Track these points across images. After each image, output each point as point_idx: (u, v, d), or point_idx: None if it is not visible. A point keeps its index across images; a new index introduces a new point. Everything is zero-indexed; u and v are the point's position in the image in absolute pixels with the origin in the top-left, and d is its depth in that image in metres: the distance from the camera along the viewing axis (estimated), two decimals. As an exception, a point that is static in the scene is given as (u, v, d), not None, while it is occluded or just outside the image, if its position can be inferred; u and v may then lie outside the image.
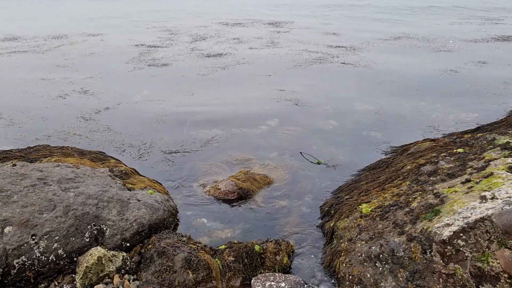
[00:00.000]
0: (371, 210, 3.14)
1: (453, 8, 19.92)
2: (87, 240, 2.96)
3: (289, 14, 18.71)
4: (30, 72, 8.57)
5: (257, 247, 3.01)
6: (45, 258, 2.81)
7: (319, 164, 4.58)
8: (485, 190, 2.68)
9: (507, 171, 2.87)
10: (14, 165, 3.54)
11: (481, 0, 21.57)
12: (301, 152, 4.74)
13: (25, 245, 2.78)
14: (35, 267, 2.78)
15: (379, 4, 21.74)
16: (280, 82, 7.78)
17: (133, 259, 2.99)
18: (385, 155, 4.70)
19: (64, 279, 2.85)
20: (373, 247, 2.73)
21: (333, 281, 2.90)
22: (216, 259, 2.95)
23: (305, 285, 2.76)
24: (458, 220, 2.49)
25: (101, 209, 3.14)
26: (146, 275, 2.82)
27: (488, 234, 2.37)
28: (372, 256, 2.69)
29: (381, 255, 2.66)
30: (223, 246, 3.06)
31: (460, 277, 2.36)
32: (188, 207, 3.84)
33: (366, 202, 3.32)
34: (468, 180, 2.94)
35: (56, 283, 2.82)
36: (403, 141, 4.94)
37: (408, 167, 3.76)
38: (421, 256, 2.50)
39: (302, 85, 7.58)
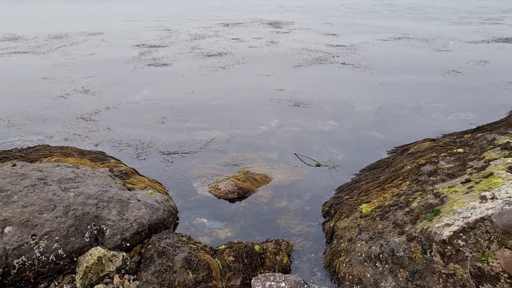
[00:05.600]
0: (371, 210, 3.14)
1: (453, 8, 19.93)
2: (87, 240, 2.96)
3: (289, 14, 18.71)
4: (31, 72, 8.57)
5: (257, 247, 3.01)
6: (45, 258, 2.81)
7: (318, 166, 4.57)
8: (485, 190, 2.68)
9: (507, 171, 2.87)
10: (14, 165, 3.54)
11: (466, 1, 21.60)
12: (296, 154, 4.73)
13: (25, 245, 2.78)
14: (35, 267, 2.78)
15: (378, 5, 21.76)
16: (280, 82, 7.77)
17: (133, 259, 2.99)
18: (385, 155, 4.70)
19: (64, 279, 2.85)
20: (373, 247, 2.73)
21: (333, 281, 2.90)
22: (216, 259, 2.95)
23: (305, 285, 2.76)
24: (458, 220, 2.49)
25: (101, 209, 3.14)
26: (146, 275, 2.82)
27: (488, 234, 2.37)
28: (372, 256, 2.69)
29: (381, 255, 2.66)
30: (223, 246, 3.06)
31: (460, 277, 2.36)
32: (188, 207, 3.84)
33: (366, 202, 3.32)
34: (468, 180, 2.94)
35: (56, 283, 2.82)
36: (403, 141, 4.94)
37: (408, 167, 3.76)
38: (421, 256, 2.50)
39: (302, 85, 7.58)
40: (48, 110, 6.31)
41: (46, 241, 2.84)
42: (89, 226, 3.01)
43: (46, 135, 5.33)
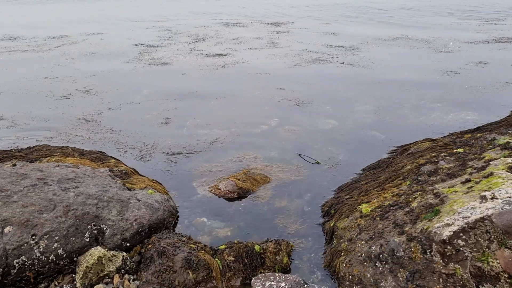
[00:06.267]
0: (371, 210, 3.14)
1: (453, 8, 19.94)
2: (87, 240, 2.96)
3: (289, 14, 18.72)
4: (31, 71, 8.57)
5: (257, 247, 3.01)
6: (45, 258, 2.81)
7: (318, 164, 4.59)
8: (485, 190, 2.68)
9: (507, 171, 2.87)
10: (14, 165, 3.54)
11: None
12: (299, 154, 4.76)
13: (25, 245, 2.78)
14: (35, 267, 2.78)
15: (378, 5, 21.78)
16: (280, 82, 7.78)
17: (133, 259, 2.99)
18: (385, 155, 4.70)
19: (64, 279, 2.85)
20: (373, 247, 2.73)
21: (333, 281, 2.91)
22: (216, 259, 2.95)
23: (305, 285, 2.76)
24: (458, 220, 2.49)
25: (101, 209, 3.14)
26: (146, 275, 2.82)
27: (488, 234, 2.37)
28: (372, 256, 2.70)
29: (381, 255, 2.66)
30: (223, 246, 3.06)
31: (460, 277, 2.36)
32: (188, 207, 3.84)
33: (366, 202, 3.32)
34: (468, 180, 2.94)
35: (56, 283, 2.82)
36: (403, 141, 4.95)
37: (408, 167, 3.76)
38: (421, 256, 2.50)
39: (302, 85, 7.58)
40: (50, 110, 6.31)
41: (46, 241, 2.84)
42: (89, 226, 3.01)
43: (48, 136, 5.33)
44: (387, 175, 3.79)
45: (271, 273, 2.87)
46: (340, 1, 23.31)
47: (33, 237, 2.82)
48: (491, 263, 2.32)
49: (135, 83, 7.74)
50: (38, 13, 19.63)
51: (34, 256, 2.79)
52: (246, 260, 2.95)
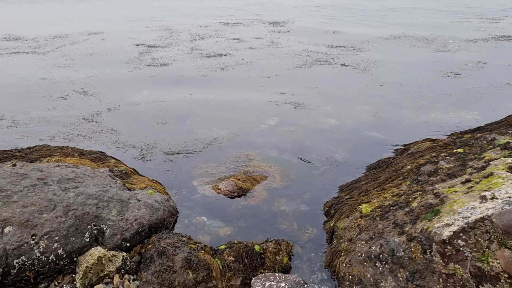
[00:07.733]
0: (371, 210, 3.14)
1: (452, 7, 19.94)
2: (87, 240, 2.96)
3: (289, 14, 18.72)
4: (30, 72, 8.57)
5: (257, 247, 3.01)
6: (45, 258, 2.81)
7: (310, 163, 4.61)
8: (485, 190, 2.68)
9: (507, 171, 2.87)
10: (14, 165, 3.54)
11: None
12: (300, 158, 4.77)
13: (25, 245, 2.78)
14: (35, 267, 2.79)
15: (379, 5, 21.78)
16: (280, 82, 7.78)
17: (133, 259, 2.99)
18: (385, 155, 4.70)
19: (64, 279, 2.85)
20: (373, 247, 2.73)
21: (333, 281, 2.91)
22: (216, 259, 2.95)
23: (305, 285, 2.76)
24: (458, 220, 2.49)
25: (101, 209, 3.14)
26: (146, 275, 2.82)
27: (488, 234, 2.37)
28: (372, 256, 2.69)
29: (381, 255, 2.66)
30: (223, 246, 3.06)
31: (460, 277, 2.36)
32: (188, 207, 3.84)
33: (366, 202, 3.32)
34: (468, 180, 2.94)
35: (56, 283, 2.82)
36: (403, 141, 4.95)
37: (408, 167, 3.76)
38: (421, 256, 2.50)
39: (302, 85, 7.58)
40: (49, 111, 6.30)
41: (46, 241, 2.84)
42: (89, 226, 3.01)
43: (50, 135, 5.33)
44: (387, 175, 3.79)
45: (271, 273, 2.87)
46: (338, 2, 23.32)
47: (33, 237, 2.82)
48: (491, 263, 2.32)
49: (134, 84, 7.74)
50: (38, 13, 19.64)
51: (34, 256, 2.79)
52: (246, 260, 2.95)
